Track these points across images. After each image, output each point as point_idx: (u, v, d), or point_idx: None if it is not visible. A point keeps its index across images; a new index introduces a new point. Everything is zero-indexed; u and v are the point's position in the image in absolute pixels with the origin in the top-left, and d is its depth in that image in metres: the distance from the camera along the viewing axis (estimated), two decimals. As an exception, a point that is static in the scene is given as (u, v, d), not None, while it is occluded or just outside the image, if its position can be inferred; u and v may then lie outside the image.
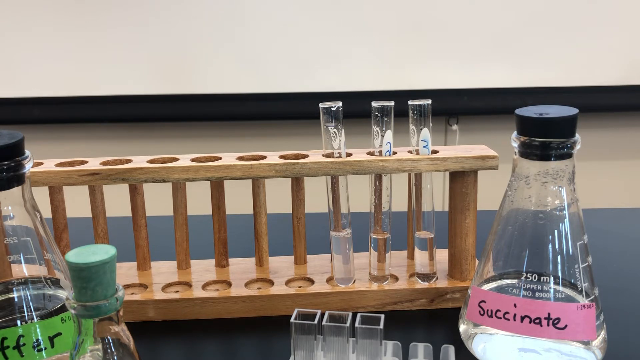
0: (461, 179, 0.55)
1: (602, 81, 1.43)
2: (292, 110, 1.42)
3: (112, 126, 1.49)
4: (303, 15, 1.38)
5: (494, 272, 0.47)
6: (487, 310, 0.46)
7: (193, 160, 0.55)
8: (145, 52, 1.40)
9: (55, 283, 0.44)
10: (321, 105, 0.53)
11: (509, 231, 0.46)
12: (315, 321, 0.43)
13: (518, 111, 0.44)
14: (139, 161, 0.55)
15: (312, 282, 0.57)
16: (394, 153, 0.55)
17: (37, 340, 0.40)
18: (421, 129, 0.54)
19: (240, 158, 0.56)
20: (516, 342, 0.45)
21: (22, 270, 0.42)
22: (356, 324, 0.43)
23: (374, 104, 0.54)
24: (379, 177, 0.55)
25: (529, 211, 0.45)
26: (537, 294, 0.45)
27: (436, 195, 0.57)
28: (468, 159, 0.54)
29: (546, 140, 0.43)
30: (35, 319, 0.41)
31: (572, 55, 1.42)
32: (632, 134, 1.52)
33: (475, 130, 1.49)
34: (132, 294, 0.56)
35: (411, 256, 0.61)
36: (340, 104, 0.53)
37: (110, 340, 0.33)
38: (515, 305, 0.45)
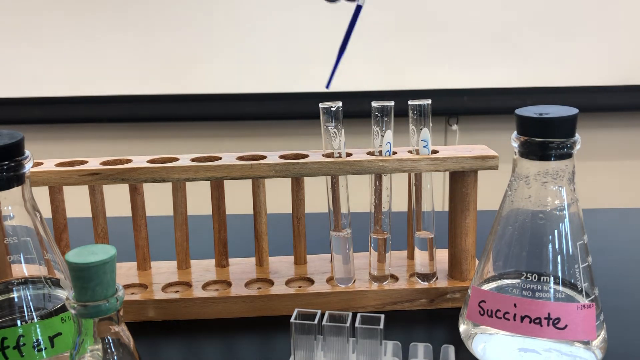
0: (461, 179, 0.55)
1: (602, 81, 1.43)
2: (292, 110, 1.42)
3: (112, 126, 1.49)
4: (303, 15, 1.38)
5: (494, 272, 0.47)
6: (487, 310, 0.46)
7: (193, 160, 0.55)
8: (145, 52, 1.40)
9: (55, 283, 0.44)
10: (321, 105, 0.53)
11: (509, 231, 0.46)
12: (315, 321, 0.43)
13: (518, 111, 0.44)
14: (139, 161, 0.55)
15: (312, 282, 0.57)
16: (394, 153, 0.55)
17: (37, 340, 0.40)
18: (421, 129, 0.54)
19: (240, 158, 0.56)
20: (516, 342, 0.45)
21: (22, 270, 0.42)
22: (356, 324, 0.43)
23: (374, 104, 0.54)
24: (379, 177, 0.55)
25: (529, 211, 0.45)
26: (537, 294, 0.45)
27: (436, 195, 0.57)
28: (468, 159, 0.54)
29: (546, 140, 0.43)
30: (35, 319, 0.41)
31: (572, 55, 1.42)
32: (632, 134, 1.52)
33: (475, 130, 1.49)
34: (132, 294, 0.56)
35: (411, 256, 0.61)
36: (340, 104, 0.53)
37: (110, 340, 0.34)
38: (515, 305, 0.45)
